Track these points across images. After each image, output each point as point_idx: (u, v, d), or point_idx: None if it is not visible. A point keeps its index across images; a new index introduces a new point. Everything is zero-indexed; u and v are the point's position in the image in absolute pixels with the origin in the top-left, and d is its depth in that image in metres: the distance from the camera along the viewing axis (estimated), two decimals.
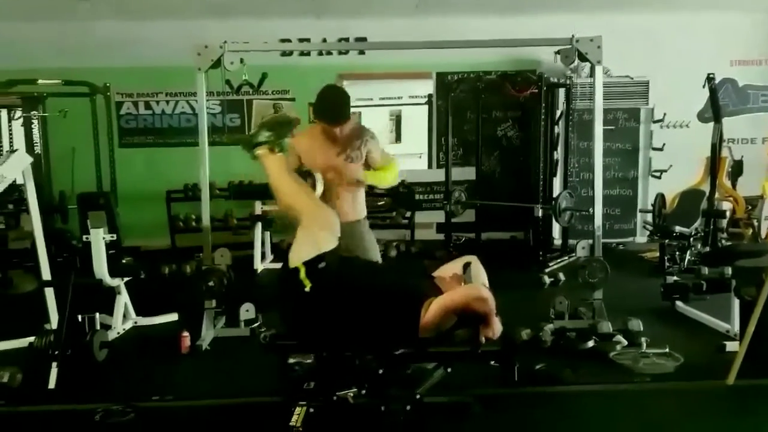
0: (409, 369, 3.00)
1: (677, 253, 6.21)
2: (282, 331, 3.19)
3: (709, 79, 6.13)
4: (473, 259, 3.13)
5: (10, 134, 7.38)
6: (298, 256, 2.91)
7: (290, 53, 7.97)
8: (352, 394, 2.87)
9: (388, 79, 8.35)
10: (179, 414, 3.40)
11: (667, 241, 6.19)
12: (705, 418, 3.27)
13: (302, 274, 2.87)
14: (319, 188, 3.83)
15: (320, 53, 8.10)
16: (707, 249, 6.17)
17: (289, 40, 7.24)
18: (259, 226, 7.05)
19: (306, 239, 2.95)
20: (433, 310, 2.74)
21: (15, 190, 6.13)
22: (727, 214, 7.02)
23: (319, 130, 3.95)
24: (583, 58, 4.36)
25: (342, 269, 3.06)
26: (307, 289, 2.86)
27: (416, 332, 2.77)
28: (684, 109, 7.94)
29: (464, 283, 2.93)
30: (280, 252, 7.52)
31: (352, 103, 3.97)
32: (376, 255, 4.12)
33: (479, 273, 3.08)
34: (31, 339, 3.95)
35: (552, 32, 4.56)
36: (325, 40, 7.60)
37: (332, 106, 3.84)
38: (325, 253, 2.92)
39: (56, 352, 3.73)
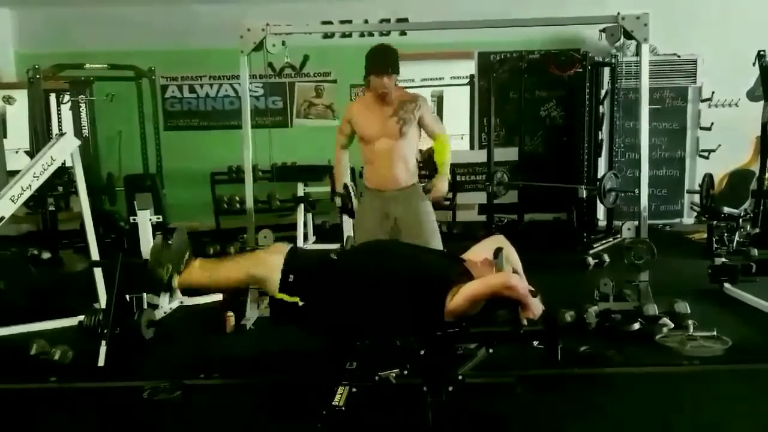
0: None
1: (725, 234, 6.13)
2: None
3: (760, 56, 6.00)
4: (502, 241, 3.13)
5: (59, 118, 7.52)
6: (271, 290, 2.93)
7: (332, 35, 7.95)
8: (394, 375, 2.88)
9: (429, 59, 8.29)
10: (224, 391, 3.45)
11: (715, 222, 6.10)
12: (754, 401, 3.20)
13: (287, 299, 2.90)
14: (355, 201, 4.26)
15: (362, 34, 8.07)
16: (756, 230, 6.06)
17: (330, 22, 7.22)
18: (301, 207, 7.10)
19: (265, 274, 2.94)
20: (459, 299, 2.73)
21: (64, 173, 6.27)
22: None
23: (371, 96, 4.12)
24: (629, 36, 4.26)
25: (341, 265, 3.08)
26: (300, 304, 2.89)
27: (437, 320, 2.78)
28: (733, 88, 7.71)
29: (495, 269, 2.90)
30: (323, 233, 7.59)
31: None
32: (431, 224, 4.37)
33: (510, 256, 3.06)
34: (81, 318, 4.03)
35: (597, 9, 4.48)
36: (366, 21, 7.57)
37: (381, 58, 4.00)
38: (287, 262, 2.93)
39: (105, 331, 3.80)
